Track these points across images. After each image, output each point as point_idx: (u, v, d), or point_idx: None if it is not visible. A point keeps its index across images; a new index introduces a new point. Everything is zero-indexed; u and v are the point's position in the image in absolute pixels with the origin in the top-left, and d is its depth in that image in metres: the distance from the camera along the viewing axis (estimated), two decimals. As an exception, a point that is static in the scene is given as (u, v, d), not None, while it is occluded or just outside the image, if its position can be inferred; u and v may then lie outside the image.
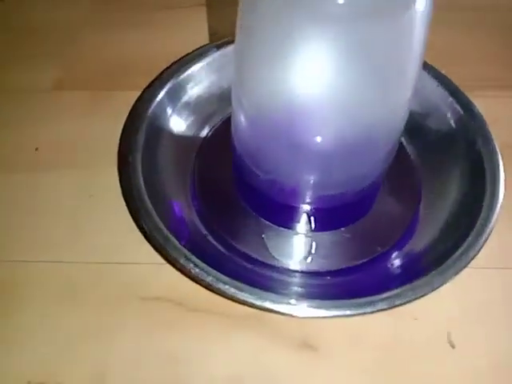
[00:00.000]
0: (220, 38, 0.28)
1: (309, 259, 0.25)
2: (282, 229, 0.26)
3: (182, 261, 0.21)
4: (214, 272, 0.21)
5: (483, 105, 0.27)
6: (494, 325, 0.23)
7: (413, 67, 0.20)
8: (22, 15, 0.35)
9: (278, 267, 0.24)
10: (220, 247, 0.24)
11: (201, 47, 0.29)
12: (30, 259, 0.24)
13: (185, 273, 0.21)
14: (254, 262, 0.24)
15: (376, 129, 0.22)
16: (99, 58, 0.32)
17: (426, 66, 0.28)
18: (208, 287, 0.21)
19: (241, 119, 0.23)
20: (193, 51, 0.28)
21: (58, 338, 0.22)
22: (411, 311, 0.23)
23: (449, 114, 0.28)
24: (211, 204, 0.26)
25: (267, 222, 0.26)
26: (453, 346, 0.22)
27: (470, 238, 0.22)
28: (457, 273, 0.21)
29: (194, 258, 0.21)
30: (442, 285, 0.21)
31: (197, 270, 0.21)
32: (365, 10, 0.17)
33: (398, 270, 0.24)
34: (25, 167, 0.27)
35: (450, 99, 0.28)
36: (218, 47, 0.28)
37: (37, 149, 0.28)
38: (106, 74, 0.32)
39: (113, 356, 0.22)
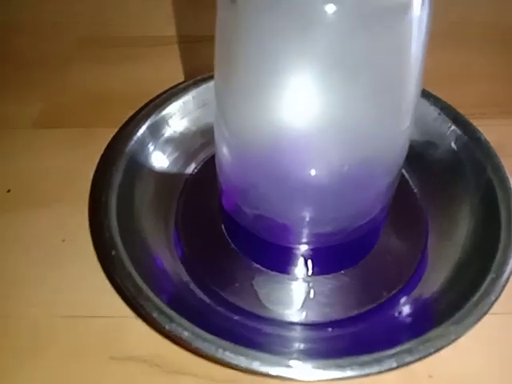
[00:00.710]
0: (204, 72, 0.27)
1: (306, 308, 0.22)
2: (275, 273, 0.23)
3: (155, 315, 0.18)
4: (192, 327, 0.18)
5: (487, 132, 0.25)
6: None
7: (411, 87, 0.18)
8: (8, 48, 0.34)
9: (270, 318, 0.21)
10: (204, 297, 0.22)
11: (183, 82, 0.27)
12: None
13: (159, 329, 0.19)
14: (243, 312, 0.21)
15: (374, 159, 0.19)
16: (80, 93, 0.31)
17: (425, 94, 0.27)
18: (186, 345, 0.18)
19: (224, 152, 0.21)
20: (175, 85, 0.27)
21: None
22: (425, 367, 0.20)
23: (453, 143, 0.25)
24: (196, 248, 0.24)
25: (258, 266, 0.23)
26: (476, 410, 0.19)
27: (488, 279, 0.20)
28: (477, 321, 0.18)
29: (168, 311, 0.18)
30: (460, 336, 0.18)
31: (172, 325, 0.18)
32: (355, 25, 0.15)
33: (408, 319, 0.21)
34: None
35: (453, 127, 0.26)
36: (202, 82, 0.27)
37: (9, 190, 0.26)
38: (87, 110, 0.30)
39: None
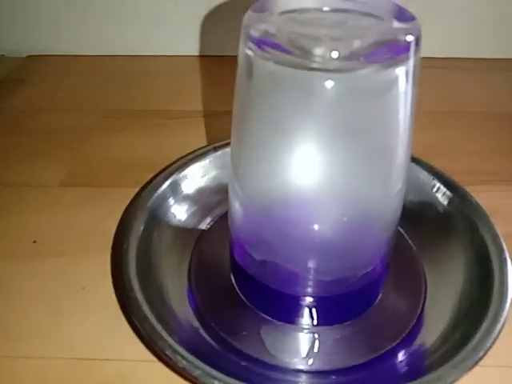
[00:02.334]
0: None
1: (310, 357, 0.23)
2: (282, 323, 0.24)
3: (169, 352, 0.19)
4: (203, 365, 0.19)
5: (479, 198, 0.27)
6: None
7: (400, 153, 0.20)
8: (39, 120, 0.38)
9: (276, 365, 0.22)
10: (213, 342, 0.23)
11: (203, 147, 0.30)
12: (7, 354, 0.23)
13: (172, 367, 0.20)
14: (250, 359, 0.22)
15: (370, 216, 0.22)
16: (104, 158, 0.34)
17: (420, 162, 0.29)
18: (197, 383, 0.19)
19: (236, 207, 0.23)
20: (195, 150, 0.30)
21: None
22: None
23: (447, 205, 0.28)
24: (207, 297, 0.25)
25: (265, 316, 0.24)
26: None
27: (481, 331, 0.21)
28: (470, 368, 0.19)
29: (180, 349, 0.19)
30: (455, 380, 0.18)
31: (184, 362, 0.19)
32: (349, 97, 0.18)
33: (406, 368, 0.22)
34: (20, 257, 0.27)
35: (447, 191, 0.28)
36: (220, 147, 0.30)
37: (35, 241, 0.28)
38: (110, 172, 0.33)
39: None
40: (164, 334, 0.20)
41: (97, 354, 0.22)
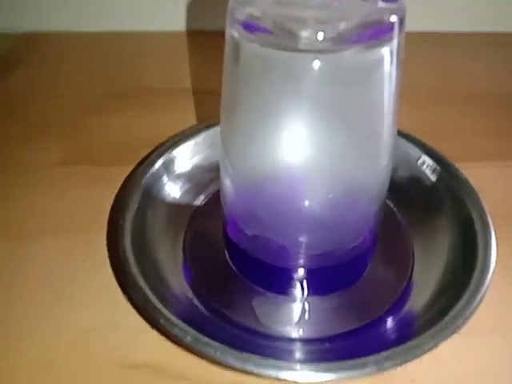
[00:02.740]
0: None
1: (301, 326, 0.24)
2: (273, 294, 0.25)
3: (162, 321, 0.20)
4: (194, 332, 0.20)
5: (469, 175, 0.28)
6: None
7: (386, 130, 0.21)
8: (32, 106, 0.38)
9: (268, 334, 0.23)
10: (206, 312, 0.24)
11: (195, 125, 0.31)
12: (12, 323, 0.24)
13: (165, 334, 0.21)
14: (242, 327, 0.23)
15: (358, 190, 0.22)
16: (101, 138, 0.35)
17: (410, 138, 0.30)
18: (189, 349, 0.20)
19: (227, 185, 0.24)
20: (187, 128, 0.30)
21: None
22: (409, 373, 0.22)
23: (436, 181, 0.28)
24: (201, 269, 0.26)
25: (257, 288, 0.25)
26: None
27: (462, 301, 0.22)
28: (449, 335, 0.20)
29: (173, 318, 0.20)
30: (433, 347, 0.19)
31: (176, 329, 0.20)
32: (336, 77, 0.18)
33: (395, 333, 0.23)
34: (25, 235, 0.28)
35: (437, 167, 0.29)
36: (211, 126, 0.30)
37: (31, 218, 0.29)
38: (107, 152, 0.34)
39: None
40: (158, 304, 0.21)
41: (96, 324, 0.24)
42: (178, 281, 0.25)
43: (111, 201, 0.29)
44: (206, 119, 0.31)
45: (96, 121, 0.36)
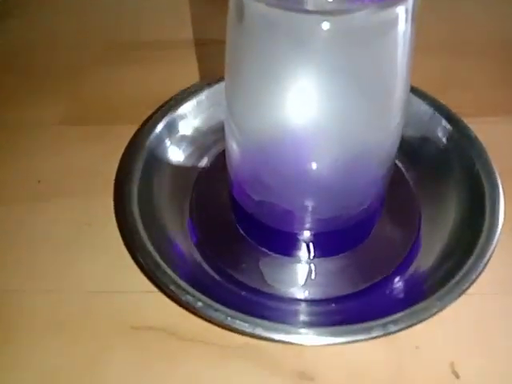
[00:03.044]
0: (217, 74, 0.29)
1: (307, 287, 0.24)
2: (279, 256, 0.25)
3: (172, 287, 0.21)
4: (204, 298, 0.20)
5: (480, 131, 0.27)
6: (496, 352, 0.22)
7: (398, 90, 0.20)
8: (27, 59, 0.37)
9: (273, 295, 0.24)
10: (214, 275, 0.24)
11: (197, 83, 0.30)
12: (21, 288, 0.24)
13: (176, 300, 0.21)
14: (249, 289, 0.24)
15: (367, 152, 0.22)
16: (102, 95, 0.34)
17: (421, 94, 0.29)
18: (199, 315, 0.20)
19: (233, 147, 0.23)
20: (189, 87, 0.29)
21: (45, 370, 0.22)
22: (413, 339, 0.22)
23: (446, 140, 0.28)
24: (208, 232, 0.26)
25: (264, 249, 0.25)
26: (457, 377, 0.21)
27: (469, 262, 0.22)
28: (456, 298, 0.20)
29: (183, 284, 0.21)
30: (440, 310, 0.20)
31: (187, 296, 0.20)
32: (347, 38, 0.17)
33: (398, 297, 0.23)
34: (26, 197, 0.28)
35: (447, 125, 0.28)
36: (214, 83, 0.29)
37: (39, 181, 0.29)
38: (107, 110, 0.33)
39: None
40: (167, 269, 0.21)
41: (105, 287, 0.24)
42: (185, 245, 0.25)
43: (115, 163, 0.29)
44: (210, 71, 0.30)
45: (95, 77, 0.35)
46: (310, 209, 0.23)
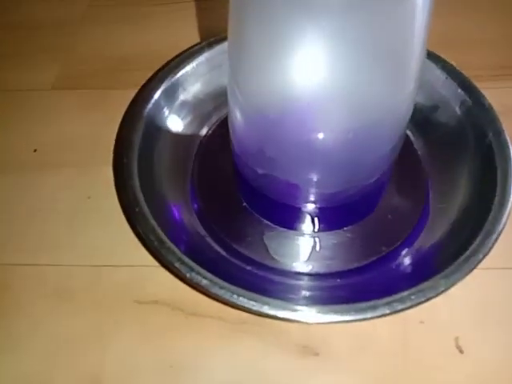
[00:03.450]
0: (218, 32, 0.28)
1: (311, 261, 0.24)
2: (284, 229, 0.25)
3: (177, 264, 0.20)
4: (210, 275, 0.20)
5: (494, 95, 0.26)
6: (503, 328, 0.22)
7: (415, 55, 0.18)
8: (20, 13, 0.35)
9: (279, 269, 0.24)
10: (218, 248, 0.24)
11: (196, 45, 0.28)
12: (25, 262, 0.24)
13: (180, 277, 0.21)
14: (253, 263, 0.24)
15: (380, 122, 0.20)
16: (97, 55, 0.32)
17: (434, 58, 0.27)
18: (204, 291, 0.20)
19: (237, 116, 0.22)
20: (189, 48, 0.28)
21: (51, 343, 0.22)
22: (418, 314, 0.22)
23: (458, 108, 0.26)
24: (211, 204, 0.26)
25: (268, 223, 0.25)
26: (461, 352, 0.21)
27: (477, 241, 0.21)
28: (463, 276, 0.20)
29: (188, 261, 0.20)
30: (447, 289, 0.20)
31: (192, 273, 0.20)
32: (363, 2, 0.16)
33: (403, 272, 0.23)
34: (23, 168, 0.27)
35: (460, 91, 0.26)
36: (214, 44, 0.27)
37: (35, 150, 0.28)
38: (105, 72, 0.31)
39: (109, 362, 0.21)
40: (171, 245, 0.21)
41: (109, 261, 0.24)
42: (188, 217, 0.24)
43: (114, 130, 0.28)
44: (212, 29, 0.28)
45: (87, 35, 0.33)
46: (315, 183, 0.22)
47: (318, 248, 0.24)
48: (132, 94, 0.29)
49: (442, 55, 0.27)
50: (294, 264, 0.24)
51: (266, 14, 0.17)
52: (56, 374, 0.21)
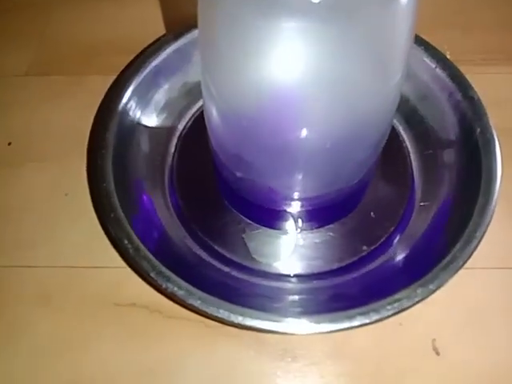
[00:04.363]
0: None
1: (292, 261, 0.24)
2: (264, 228, 0.24)
3: (153, 274, 0.20)
4: (186, 285, 0.20)
5: (485, 83, 0.25)
6: (480, 330, 0.22)
7: (400, 43, 0.17)
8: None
9: (258, 270, 0.23)
10: (197, 250, 0.23)
11: (163, 36, 0.26)
12: (0, 264, 0.24)
13: (155, 287, 0.21)
14: (233, 264, 0.23)
15: (362, 122, 0.19)
16: (73, 38, 0.31)
17: (423, 45, 0.26)
18: (180, 302, 0.20)
19: (212, 112, 0.20)
20: (158, 39, 0.26)
21: (29, 347, 0.22)
22: (397, 317, 0.22)
23: (446, 100, 0.25)
24: (190, 203, 0.25)
25: (249, 221, 0.25)
26: (438, 353, 0.22)
27: (457, 247, 0.21)
28: (440, 285, 0.20)
29: (164, 270, 0.20)
30: (424, 298, 0.20)
31: (168, 284, 0.20)
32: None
33: (386, 273, 0.23)
34: (0, 163, 0.26)
35: (449, 83, 0.25)
36: (183, 34, 0.25)
37: (10, 143, 0.27)
38: (80, 57, 0.30)
39: (88, 364, 0.21)
40: (148, 254, 0.21)
41: (87, 262, 0.24)
42: (167, 218, 0.24)
43: (88, 122, 0.27)
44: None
45: (60, 18, 0.32)
46: (295, 188, 0.21)
47: (299, 247, 0.24)
48: (109, 79, 0.28)
49: (433, 38, 0.26)
50: (275, 264, 0.24)
51: (237, 12, 0.16)
52: (30, 382, 0.21)
